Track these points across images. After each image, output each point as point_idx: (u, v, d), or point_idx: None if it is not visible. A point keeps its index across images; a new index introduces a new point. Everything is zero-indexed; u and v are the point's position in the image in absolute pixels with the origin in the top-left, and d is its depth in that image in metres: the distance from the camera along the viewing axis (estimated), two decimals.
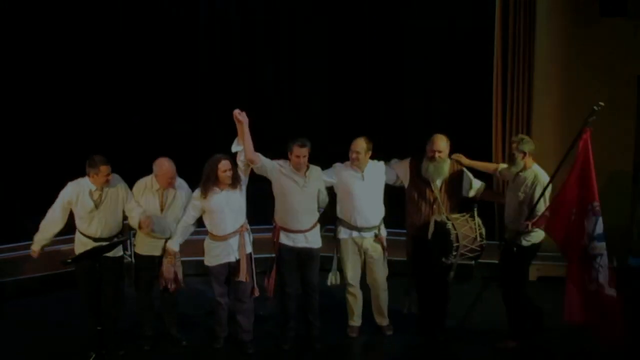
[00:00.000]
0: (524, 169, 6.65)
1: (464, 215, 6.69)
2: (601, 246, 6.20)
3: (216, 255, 6.79)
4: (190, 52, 11.35)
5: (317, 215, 6.91)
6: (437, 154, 6.66)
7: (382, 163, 7.03)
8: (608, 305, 6.27)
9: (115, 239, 6.67)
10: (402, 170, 6.92)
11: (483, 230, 6.62)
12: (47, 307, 7.97)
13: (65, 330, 7.36)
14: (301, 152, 6.73)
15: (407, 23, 10.73)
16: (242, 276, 6.75)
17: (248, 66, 11.32)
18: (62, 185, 6.70)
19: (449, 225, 6.53)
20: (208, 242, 6.83)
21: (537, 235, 6.71)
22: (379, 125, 11.20)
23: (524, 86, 8.85)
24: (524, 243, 6.70)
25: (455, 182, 6.84)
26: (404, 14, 10.73)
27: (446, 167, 6.72)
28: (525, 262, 6.90)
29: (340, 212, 7.00)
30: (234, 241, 6.76)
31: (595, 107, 6.25)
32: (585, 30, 8.61)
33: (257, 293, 6.91)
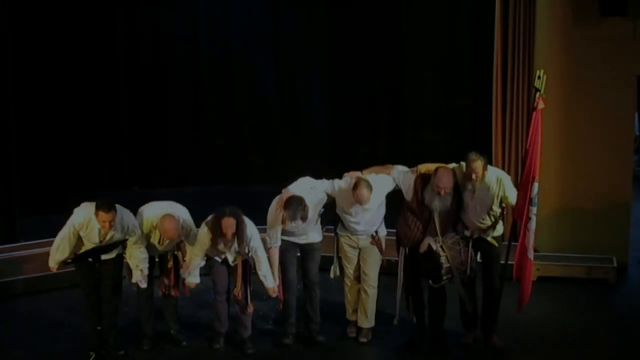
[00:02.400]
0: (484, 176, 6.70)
1: (454, 237, 6.70)
2: (532, 210, 6.41)
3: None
4: (191, 54, 11.40)
5: (316, 215, 6.94)
6: (442, 191, 6.56)
7: (386, 179, 6.87)
8: (527, 267, 6.54)
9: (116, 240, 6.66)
10: (405, 186, 6.80)
11: (472, 253, 6.66)
12: (47, 307, 7.96)
13: (65, 330, 7.35)
14: None
15: (407, 23, 10.75)
16: (237, 291, 6.78)
17: (248, 67, 11.34)
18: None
19: (443, 259, 6.58)
20: None
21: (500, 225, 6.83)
22: (378, 126, 11.23)
23: (524, 86, 8.85)
24: (496, 234, 6.78)
25: (454, 206, 6.72)
26: (404, 15, 10.74)
27: (450, 199, 6.63)
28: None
29: (339, 215, 7.00)
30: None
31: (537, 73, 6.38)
32: (585, 30, 8.61)
33: (250, 309, 6.88)
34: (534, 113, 6.37)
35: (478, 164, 6.54)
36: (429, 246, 6.64)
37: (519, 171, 8.74)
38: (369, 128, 11.28)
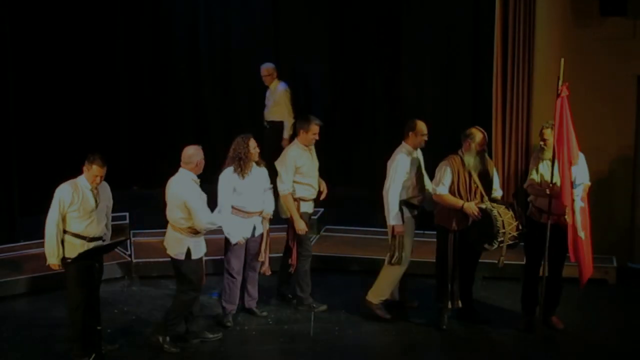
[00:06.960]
0: None
1: (502, 204, 6.98)
2: (576, 192, 6.75)
3: (240, 230, 7.06)
4: (191, 53, 11.40)
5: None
6: (481, 148, 7.04)
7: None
8: (580, 246, 6.82)
9: (117, 239, 6.66)
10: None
11: (523, 219, 6.93)
12: (47, 307, 7.95)
13: (65, 331, 7.34)
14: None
15: (407, 23, 10.74)
16: (262, 256, 7.22)
17: (248, 66, 11.33)
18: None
19: (495, 212, 6.80)
20: (233, 218, 7.07)
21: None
22: (378, 126, 11.22)
23: (524, 86, 8.86)
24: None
25: (488, 173, 7.15)
26: (404, 14, 10.74)
27: (484, 160, 7.10)
28: None
29: (404, 194, 7.25)
30: (256, 219, 7.13)
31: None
32: (585, 30, 8.61)
33: (268, 272, 7.33)
34: (558, 99, 6.53)
35: (550, 132, 6.86)
36: (480, 209, 6.83)
37: (519, 170, 8.79)
38: (368, 127, 11.28)
